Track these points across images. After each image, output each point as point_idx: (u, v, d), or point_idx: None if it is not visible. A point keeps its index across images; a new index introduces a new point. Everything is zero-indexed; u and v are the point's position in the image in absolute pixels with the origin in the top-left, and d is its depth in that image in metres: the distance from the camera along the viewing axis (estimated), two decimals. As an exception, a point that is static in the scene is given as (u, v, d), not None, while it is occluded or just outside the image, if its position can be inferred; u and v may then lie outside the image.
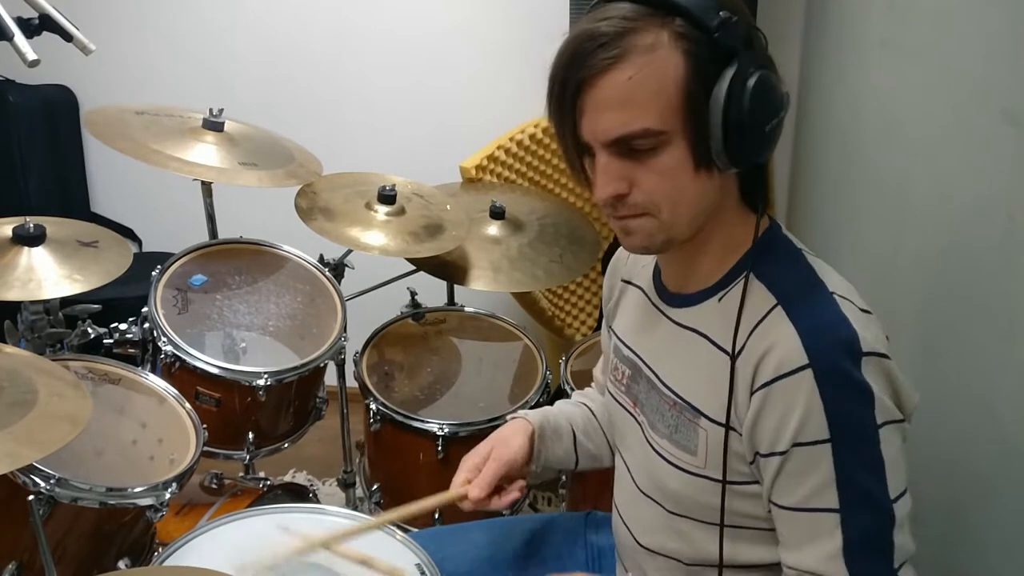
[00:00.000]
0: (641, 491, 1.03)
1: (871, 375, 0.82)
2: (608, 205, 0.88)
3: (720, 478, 0.91)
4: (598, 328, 2.20)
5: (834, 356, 0.82)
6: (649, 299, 1.05)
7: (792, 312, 0.85)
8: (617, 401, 1.10)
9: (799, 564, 0.86)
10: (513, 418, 1.20)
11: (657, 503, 1.00)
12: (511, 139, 2.27)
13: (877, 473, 0.82)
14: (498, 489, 1.10)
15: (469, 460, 1.13)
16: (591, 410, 1.26)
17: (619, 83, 0.82)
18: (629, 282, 1.11)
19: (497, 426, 1.22)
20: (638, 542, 1.05)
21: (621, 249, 1.17)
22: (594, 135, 0.86)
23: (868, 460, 0.82)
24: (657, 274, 1.04)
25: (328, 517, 1.19)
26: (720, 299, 0.93)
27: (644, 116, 0.83)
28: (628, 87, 0.82)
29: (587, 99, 0.84)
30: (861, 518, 0.83)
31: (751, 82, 0.81)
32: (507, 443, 1.13)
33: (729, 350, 0.88)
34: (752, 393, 0.86)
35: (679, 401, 0.95)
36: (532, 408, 1.37)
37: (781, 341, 0.84)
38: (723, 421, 0.89)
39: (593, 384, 1.32)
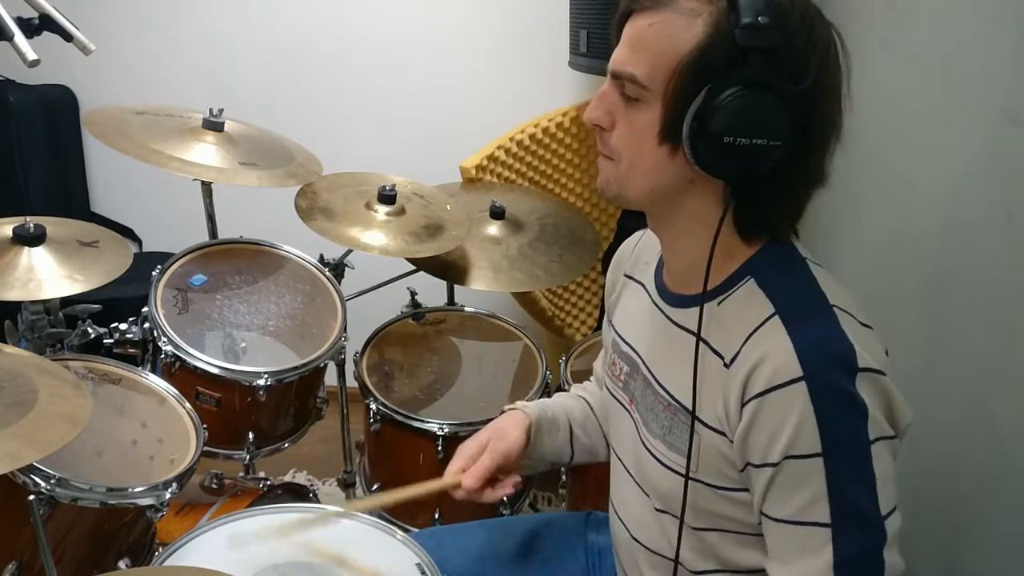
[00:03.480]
0: (637, 485, 1.03)
1: (866, 391, 0.81)
2: (597, 134, 0.94)
3: (714, 483, 0.90)
4: (598, 328, 2.20)
5: (829, 370, 0.81)
6: (651, 297, 1.04)
7: (789, 323, 0.84)
8: (614, 397, 1.09)
9: None
10: (511, 408, 1.20)
11: (650, 499, 1.00)
12: (511, 139, 2.27)
13: (869, 489, 0.81)
14: (492, 481, 1.10)
15: (465, 450, 1.13)
16: (589, 403, 1.26)
17: (643, 25, 0.86)
18: (631, 277, 1.11)
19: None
20: (633, 537, 1.04)
21: (625, 244, 1.17)
22: (610, 62, 0.90)
23: (860, 475, 0.81)
24: (659, 272, 1.04)
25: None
26: (719, 303, 0.92)
27: (639, 64, 0.86)
28: (645, 32, 0.86)
29: (625, 29, 0.89)
30: (852, 534, 0.82)
31: (738, 92, 0.79)
32: (504, 435, 1.13)
33: (724, 355, 0.88)
34: (743, 404, 0.84)
35: (673, 403, 0.94)
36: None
37: (775, 352, 0.82)
38: (718, 427, 0.88)
39: (592, 378, 1.32)
